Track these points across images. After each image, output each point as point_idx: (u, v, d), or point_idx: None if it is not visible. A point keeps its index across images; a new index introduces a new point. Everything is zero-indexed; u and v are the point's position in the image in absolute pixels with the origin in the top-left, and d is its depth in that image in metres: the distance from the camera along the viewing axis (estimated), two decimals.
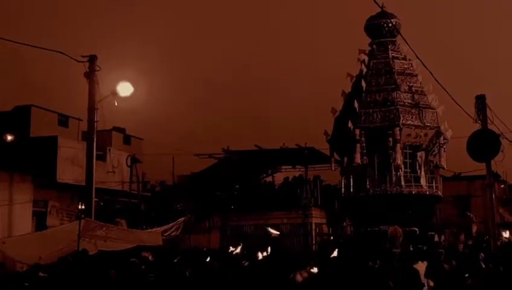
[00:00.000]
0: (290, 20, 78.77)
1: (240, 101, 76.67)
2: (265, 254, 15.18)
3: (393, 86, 21.13)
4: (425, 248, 17.42)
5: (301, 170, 28.89)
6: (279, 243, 22.21)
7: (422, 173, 21.05)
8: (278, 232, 24.46)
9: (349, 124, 20.43)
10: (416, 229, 20.00)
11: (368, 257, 11.83)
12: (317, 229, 26.59)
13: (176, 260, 12.86)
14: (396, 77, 21.31)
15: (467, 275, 9.73)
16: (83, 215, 13.69)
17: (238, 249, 16.28)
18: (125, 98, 15.35)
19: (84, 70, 14.70)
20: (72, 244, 12.45)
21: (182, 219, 24.22)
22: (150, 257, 14.20)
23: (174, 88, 71.53)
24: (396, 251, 16.55)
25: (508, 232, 25.62)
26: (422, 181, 20.97)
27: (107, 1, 77.04)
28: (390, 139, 20.26)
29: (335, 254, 12.39)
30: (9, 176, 18.85)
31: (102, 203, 22.90)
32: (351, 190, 21.37)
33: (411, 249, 17.30)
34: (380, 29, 22.01)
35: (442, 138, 20.95)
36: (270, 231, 24.42)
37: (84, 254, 12.19)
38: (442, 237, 21.75)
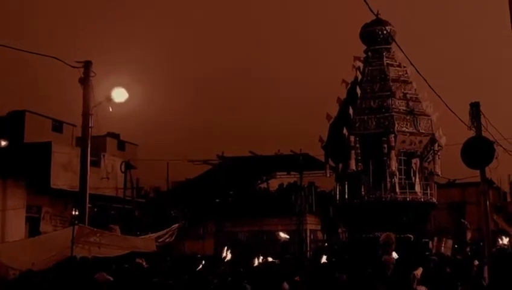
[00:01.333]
0: (286, 27, 79.02)
1: (235, 108, 76.68)
2: (261, 260, 15.11)
3: (388, 93, 21.15)
4: (424, 255, 17.35)
5: (296, 176, 28.86)
6: (288, 247, 22.23)
7: (417, 179, 21.05)
8: (288, 236, 24.44)
9: (344, 131, 20.44)
10: (411, 236, 19.97)
11: (361, 263, 11.81)
12: (312, 235, 26.55)
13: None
14: (391, 84, 21.34)
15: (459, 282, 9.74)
16: (76, 222, 13.63)
17: (224, 253, 16.18)
18: (120, 104, 15.30)
19: (79, 76, 14.64)
20: (65, 251, 12.39)
21: (176, 225, 24.16)
22: (144, 263, 14.17)
23: (169, 93, 71.51)
24: (388, 257, 16.47)
25: (507, 238, 25.54)
26: (417, 188, 20.96)
27: (103, 6, 77.08)
28: (385, 145, 20.25)
29: (324, 259, 12.37)
30: (3, 182, 18.80)
31: (96, 210, 22.83)
32: (346, 196, 21.33)
33: (406, 256, 17.23)
34: (375, 37, 22.05)
35: (436, 144, 20.96)
36: (280, 235, 24.41)
37: (84, 261, 12.13)
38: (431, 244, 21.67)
